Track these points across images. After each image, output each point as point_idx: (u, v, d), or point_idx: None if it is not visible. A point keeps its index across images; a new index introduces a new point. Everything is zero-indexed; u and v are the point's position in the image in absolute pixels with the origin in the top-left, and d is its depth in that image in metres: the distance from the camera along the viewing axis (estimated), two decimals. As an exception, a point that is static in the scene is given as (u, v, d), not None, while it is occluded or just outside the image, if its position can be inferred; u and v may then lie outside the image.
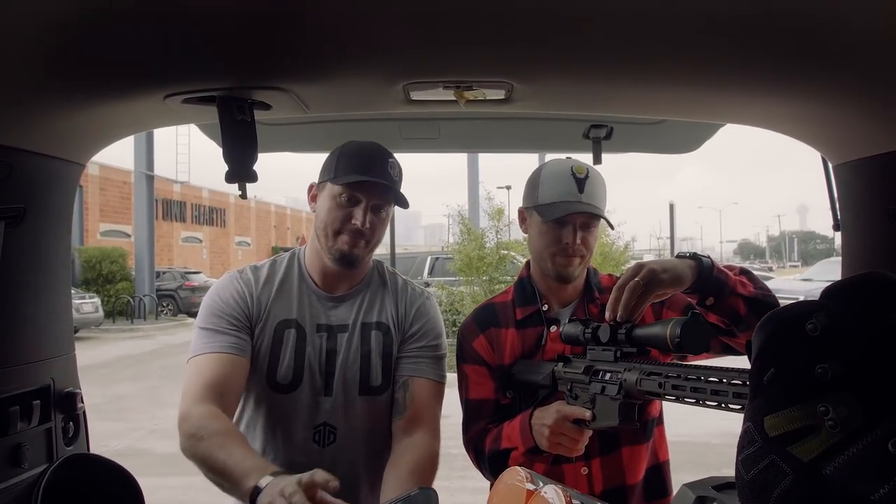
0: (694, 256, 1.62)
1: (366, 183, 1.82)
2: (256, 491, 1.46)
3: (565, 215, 1.88)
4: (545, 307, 2.00)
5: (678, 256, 1.66)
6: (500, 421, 1.94)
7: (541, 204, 1.93)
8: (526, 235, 2.10)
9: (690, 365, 1.46)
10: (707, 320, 1.63)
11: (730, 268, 1.68)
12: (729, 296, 1.61)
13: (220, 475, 1.59)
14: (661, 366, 1.46)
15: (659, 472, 2.02)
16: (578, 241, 1.90)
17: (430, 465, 1.84)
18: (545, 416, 1.74)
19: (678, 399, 1.34)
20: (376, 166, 1.84)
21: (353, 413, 1.92)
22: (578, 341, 1.73)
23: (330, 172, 1.87)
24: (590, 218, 1.90)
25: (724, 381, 1.20)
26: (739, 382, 1.17)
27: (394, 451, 1.89)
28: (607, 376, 1.61)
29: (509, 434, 1.86)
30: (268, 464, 1.61)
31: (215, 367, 1.79)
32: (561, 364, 1.80)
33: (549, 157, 2.13)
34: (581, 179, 1.89)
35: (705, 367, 1.29)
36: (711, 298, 1.61)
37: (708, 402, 1.22)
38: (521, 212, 2.07)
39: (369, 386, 1.93)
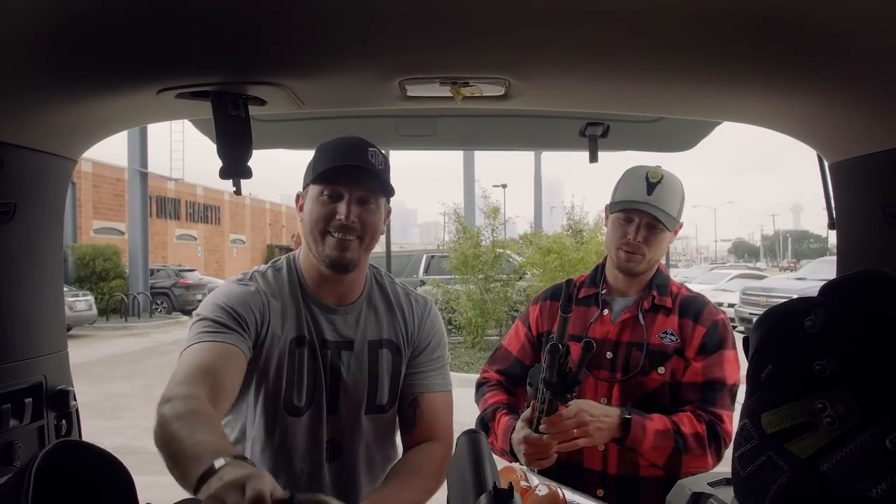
0: (625, 426, 1.92)
1: (345, 175, 1.73)
2: (209, 472, 1.20)
3: (627, 211, 2.09)
4: (604, 291, 2.21)
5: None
6: (518, 381, 2.23)
7: (615, 201, 2.14)
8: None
9: None
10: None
11: (661, 436, 1.94)
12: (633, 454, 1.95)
13: (176, 458, 1.33)
14: None
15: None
16: (640, 238, 2.08)
17: (424, 466, 1.80)
18: (518, 434, 1.94)
19: None
20: (354, 155, 1.75)
21: (359, 430, 1.87)
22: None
23: (309, 174, 1.79)
24: (654, 220, 2.06)
25: None
26: None
27: (401, 458, 1.89)
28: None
29: (496, 428, 2.12)
30: (231, 447, 1.41)
31: (210, 357, 1.61)
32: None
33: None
34: (652, 183, 2.07)
35: None
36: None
37: None
38: (605, 208, 2.24)
39: (375, 405, 1.87)
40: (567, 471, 2.03)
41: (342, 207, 1.74)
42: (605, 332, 2.12)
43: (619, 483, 2.07)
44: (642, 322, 2.10)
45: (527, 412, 1.93)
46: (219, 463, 1.21)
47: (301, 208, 1.85)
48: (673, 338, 2.08)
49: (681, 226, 2.18)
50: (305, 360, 1.80)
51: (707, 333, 2.06)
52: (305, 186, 1.83)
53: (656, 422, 1.94)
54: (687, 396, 2.03)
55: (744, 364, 0.79)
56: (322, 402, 1.82)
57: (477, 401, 2.30)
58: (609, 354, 2.10)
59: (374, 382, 1.86)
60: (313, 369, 1.81)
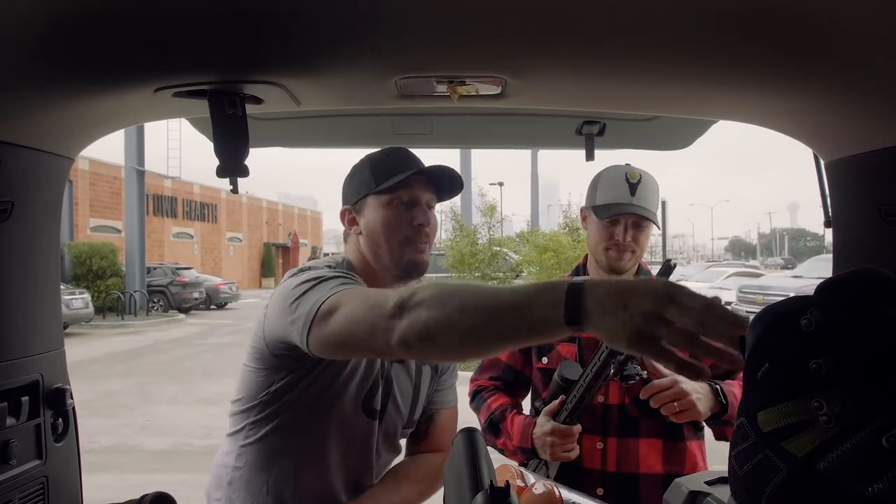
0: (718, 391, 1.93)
1: (416, 180, 1.74)
2: (576, 289, 1.00)
3: (617, 215, 2.15)
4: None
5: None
6: (512, 388, 2.32)
7: (597, 205, 2.21)
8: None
9: None
10: None
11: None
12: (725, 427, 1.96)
13: (494, 308, 1.11)
14: None
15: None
16: (629, 238, 2.16)
17: (420, 470, 1.85)
18: (543, 427, 2.04)
19: None
20: (416, 161, 1.78)
21: (394, 442, 1.89)
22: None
23: (368, 185, 1.76)
24: (640, 218, 2.16)
25: None
26: None
27: (399, 462, 1.91)
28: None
29: (509, 427, 2.16)
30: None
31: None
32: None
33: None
34: (634, 184, 2.17)
35: None
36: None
37: None
38: (582, 210, 2.32)
39: (412, 420, 1.89)
40: (566, 470, 2.08)
41: (419, 213, 1.75)
42: None
43: (619, 481, 2.10)
44: None
45: (551, 405, 2.04)
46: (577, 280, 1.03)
47: (353, 222, 1.81)
48: None
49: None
50: (382, 364, 1.78)
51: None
52: (359, 200, 1.79)
53: (735, 388, 1.97)
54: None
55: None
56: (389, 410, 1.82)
57: (477, 408, 2.32)
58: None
59: (417, 397, 1.88)
60: (388, 375, 1.81)
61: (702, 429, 2.16)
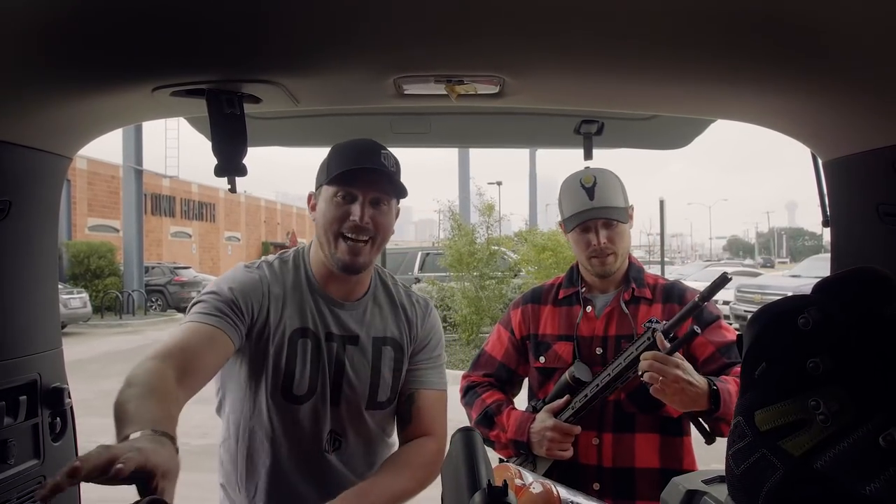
0: (715, 395, 1.85)
1: (360, 178, 1.77)
2: (125, 439, 1.24)
3: (583, 223, 2.15)
4: (583, 289, 2.26)
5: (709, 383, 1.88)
6: (505, 386, 2.34)
7: (565, 218, 2.22)
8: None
9: None
10: None
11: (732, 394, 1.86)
12: (719, 423, 1.89)
13: (116, 419, 1.34)
14: None
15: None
16: (604, 240, 2.14)
17: (416, 458, 1.84)
18: (544, 423, 2.08)
19: None
20: (368, 157, 1.79)
21: (360, 424, 1.90)
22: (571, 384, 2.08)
23: (323, 175, 1.83)
24: (607, 219, 2.14)
25: None
26: None
27: (396, 451, 1.93)
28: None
29: (505, 420, 2.19)
30: (168, 424, 1.31)
31: (192, 337, 1.64)
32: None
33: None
34: (589, 188, 2.14)
35: None
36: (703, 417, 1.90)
37: None
38: (560, 225, 2.31)
39: (376, 401, 1.91)
40: (562, 466, 2.09)
41: (356, 209, 1.78)
42: (592, 329, 2.18)
43: (615, 476, 2.10)
44: (626, 311, 2.17)
45: (555, 403, 2.08)
46: (136, 434, 1.22)
47: (313, 208, 1.89)
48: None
49: (632, 208, 2.25)
50: (309, 351, 1.83)
51: (688, 310, 2.02)
52: (318, 187, 1.86)
53: (731, 385, 1.91)
54: (707, 370, 2.02)
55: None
56: (325, 393, 1.85)
57: (469, 402, 2.32)
58: (599, 350, 2.16)
59: (377, 378, 1.90)
60: (316, 360, 1.84)
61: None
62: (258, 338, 1.80)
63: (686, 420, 2.07)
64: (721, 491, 1.06)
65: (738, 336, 0.77)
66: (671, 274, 23.58)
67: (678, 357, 1.87)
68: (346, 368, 1.87)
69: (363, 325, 1.91)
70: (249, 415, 1.85)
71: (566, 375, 2.07)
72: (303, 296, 1.87)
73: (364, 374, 1.89)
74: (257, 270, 1.86)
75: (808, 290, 0.75)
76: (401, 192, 1.84)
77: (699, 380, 1.85)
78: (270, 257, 1.95)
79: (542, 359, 2.23)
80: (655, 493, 1.83)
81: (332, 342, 1.87)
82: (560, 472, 2.09)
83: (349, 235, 1.79)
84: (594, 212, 2.13)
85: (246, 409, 1.85)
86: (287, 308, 1.84)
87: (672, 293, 2.20)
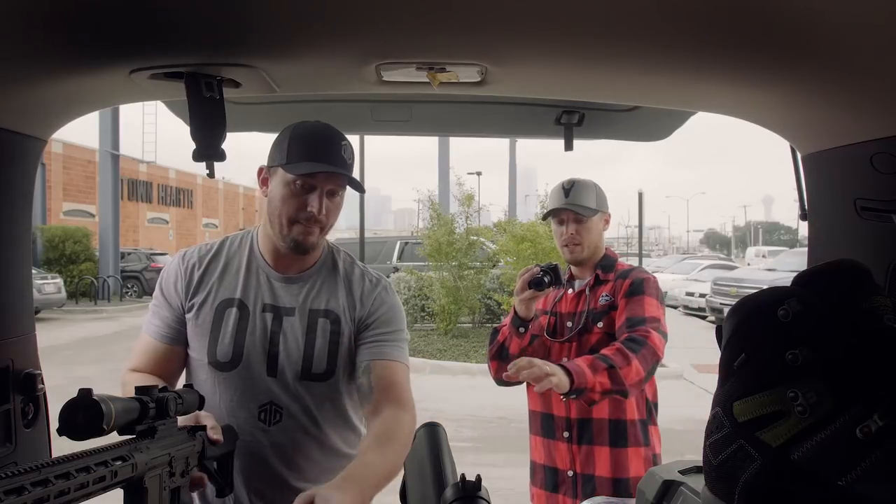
0: (567, 373, 2.32)
1: (321, 171, 1.81)
2: None
3: (554, 215, 2.78)
4: (567, 276, 2.83)
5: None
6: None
7: (546, 211, 2.83)
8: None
9: None
10: None
11: (593, 366, 2.36)
12: (588, 393, 2.36)
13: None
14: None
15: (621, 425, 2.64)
16: (572, 231, 2.73)
17: (396, 431, 1.79)
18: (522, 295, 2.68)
19: None
20: (330, 152, 1.82)
21: (298, 394, 1.91)
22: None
23: (282, 157, 1.84)
24: (576, 215, 2.72)
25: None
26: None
27: (366, 430, 1.91)
28: None
29: (503, 324, 2.80)
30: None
31: (153, 352, 1.96)
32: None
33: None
34: (567, 189, 2.74)
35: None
36: (573, 397, 2.37)
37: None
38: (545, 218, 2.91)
39: (311, 373, 1.91)
40: (542, 417, 2.73)
41: (314, 201, 1.84)
42: (567, 306, 2.78)
43: (579, 424, 2.63)
44: (587, 293, 2.72)
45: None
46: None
47: (264, 182, 1.93)
48: (607, 298, 2.67)
49: (609, 215, 2.83)
50: (233, 320, 1.91)
51: (631, 284, 2.63)
52: (273, 165, 1.88)
53: (583, 359, 2.41)
54: (618, 336, 2.53)
55: (711, 349, 0.80)
56: (255, 362, 1.90)
57: (490, 342, 2.85)
58: (569, 324, 2.73)
59: (310, 349, 1.92)
60: (243, 329, 1.90)
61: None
62: (190, 314, 1.95)
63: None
64: (698, 481, 1.06)
65: (718, 327, 0.78)
66: (648, 266, 23.74)
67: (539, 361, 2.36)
68: (279, 339, 1.91)
69: (300, 297, 1.95)
70: (192, 384, 1.90)
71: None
72: (242, 269, 1.97)
73: (297, 345, 1.91)
74: (183, 258, 2.01)
75: (783, 283, 0.75)
76: (358, 187, 1.90)
77: (554, 368, 2.30)
78: (213, 240, 2.08)
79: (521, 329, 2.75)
80: (606, 434, 2.59)
81: (268, 312, 1.93)
82: (541, 422, 2.73)
83: (303, 223, 1.85)
84: (563, 207, 2.72)
85: (191, 378, 1.97)
86: (223, 282, 1.96)
87: (623, 273, 2.72)
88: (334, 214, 1.90)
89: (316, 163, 1.80)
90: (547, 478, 2.72)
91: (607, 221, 2.81)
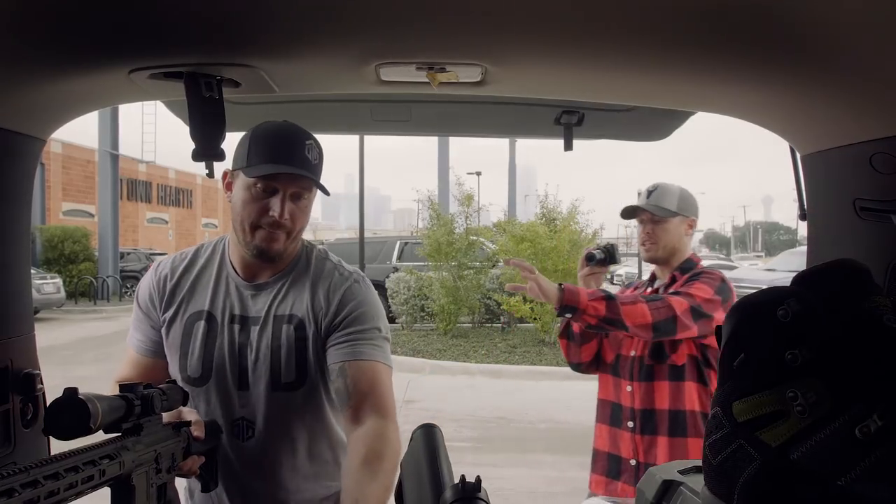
0: (559, 287, 2.61)
1: (281, 173, 1.74)
2: None
3: (636, 214, 2.91)
4: (650, 275, 3.08)
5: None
6: None
7: (625, 210, 2.98)
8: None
9: None
10: None
11: (593, 294, 2.61)
12: (581, 314, 2.59)
13: None
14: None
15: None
16: (648, 231, 2.87)
17: (383, 448, 1.70)
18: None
19: None
20: (292, 153, 1.75)
21: (271, 407, 1.85)
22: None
23: (242, 160, 1.78)
24: (652, 216, 2.85)
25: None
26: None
27: (348, 444, 1.80)
28: None
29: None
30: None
31: (139, 365, 1.97)
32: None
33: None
34: (650, 191, 2.89)
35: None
36: (569, 315, 2.64)
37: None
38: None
39: (280, 382, 1.84)
40: (611, 406, 2.85)
41: (276, 204, 1.76)
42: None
43: (643, 415, 2.73)
44: (661, 292, 2.80)
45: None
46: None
47: (228, 187, 1.85)
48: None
49: (693, 220, 2.91)
50: (201, 333, 1.85)
51: (690, 276, 2.79)
52: (236, 169, 1.81)
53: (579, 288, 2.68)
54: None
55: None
56: (226, 376, 1.84)
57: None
58: None
59: (277, 359, 1.83)
60: (212, 342, 1.85)
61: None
62: (164, 329, 1.92)
63: (690, 367, 2.69)
64: (697, 481, 1.06)
65: (717, 327, 0.78)
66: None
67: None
68: (246, 351, 1.85)
69: (267, 305, 1.87)
70: None
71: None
72: (212, 279, 1.91)
73: (265, 355, 1.84)
74: (156, 270, 1.96)
75: (782, 283, 0.75)
76: (323, 190, 1.80)
77: (551, 283, 2.60)
78: (188, 248, 2.02)
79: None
80: (668, 428, 2.68)
81: (235, 324, 1.86)
82: (605, 411, 2.86)
83: (266, 228, 1.78)
84: (644, 206, 2.85)
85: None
86: (195, 294, 1.90)
87: (695, 275, 2.80)
88: (301, 219, 1.82)
89: (276, 164, 1.73)
90: (610, 465, 2.83)
91: (691, 226, 2.91)
